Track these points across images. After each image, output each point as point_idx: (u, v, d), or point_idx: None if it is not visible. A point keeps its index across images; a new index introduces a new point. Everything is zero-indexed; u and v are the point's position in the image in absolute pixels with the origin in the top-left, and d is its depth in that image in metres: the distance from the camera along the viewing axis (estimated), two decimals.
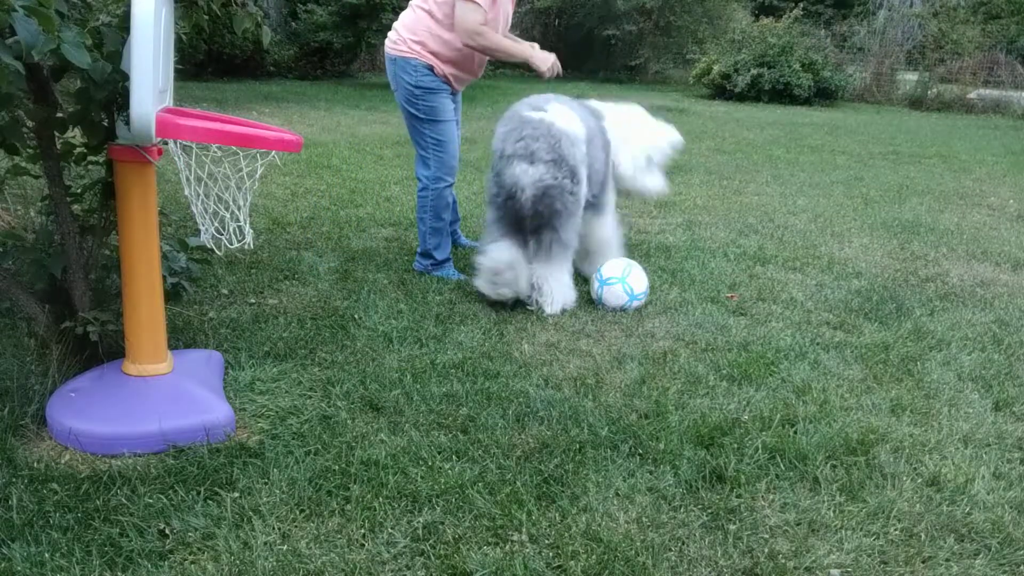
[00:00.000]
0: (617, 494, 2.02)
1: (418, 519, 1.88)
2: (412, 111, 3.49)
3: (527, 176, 3.08)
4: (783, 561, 1.80)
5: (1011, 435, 2.42)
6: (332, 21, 12.47)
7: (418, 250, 3.68)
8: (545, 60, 3.48)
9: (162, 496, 1.92)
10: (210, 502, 1.92)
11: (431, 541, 1.81)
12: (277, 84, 11.91)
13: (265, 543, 1.78)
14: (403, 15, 3.53)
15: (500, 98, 9.84)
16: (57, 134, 2.30)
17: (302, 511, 1.90)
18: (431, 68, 3.42)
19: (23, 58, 1.77)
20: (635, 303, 3.29)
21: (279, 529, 1.83)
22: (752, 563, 1.80)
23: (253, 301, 3.21)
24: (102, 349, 2.44)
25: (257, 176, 2.37)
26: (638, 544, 1.82)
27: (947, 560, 1.84)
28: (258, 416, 2.33)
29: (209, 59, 11.80)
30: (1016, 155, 8.48)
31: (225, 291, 3.30)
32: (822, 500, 2.03)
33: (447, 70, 3.44)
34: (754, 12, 17.81)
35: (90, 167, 2.51)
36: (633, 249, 4.20)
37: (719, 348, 2.96)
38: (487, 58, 3.55)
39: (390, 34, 3.53)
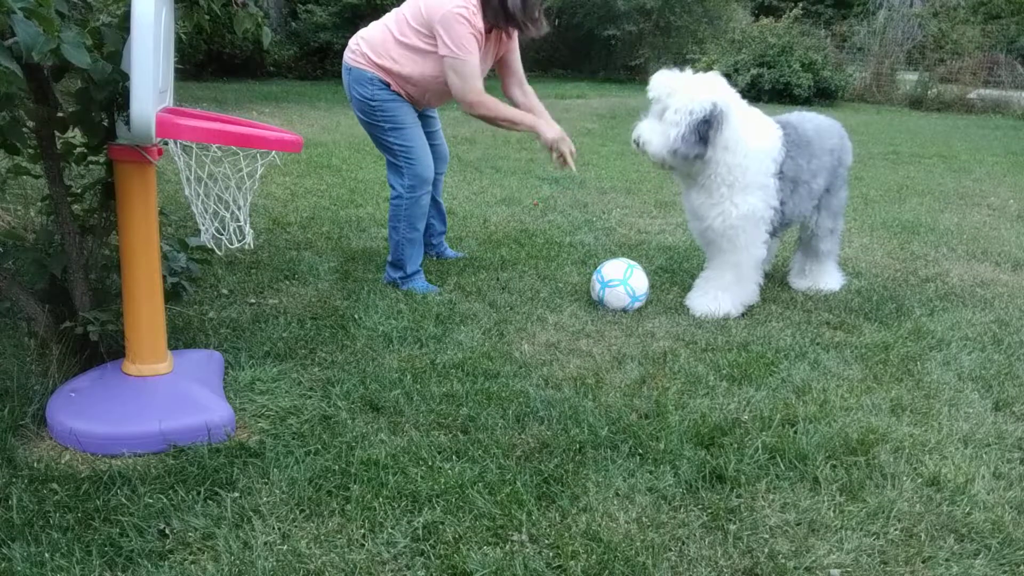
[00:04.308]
0: (617, 494, 2.02)
1: (418, 519, 1.88)
2: (370, 122, 3.29)
3: None
4: (783, 561, 1.80)
5: (1011, 435, 2.41)
6: (332, 21, 12.50)
7: (388, 259, 3.48)
8: (553, 127, 3.26)
9: (162, 496, 1.92)
10: (210, 502, 1.92)
11: (431, 541, 1.81)
12: (277, 84, 11.91)
13: (265, 543, 1.78)
14: (371, 29, 3.27)
15: (500, 98, 9.80)
16: (57, 134, 2.30)
17: (302, 511, 1.90)
18: (388, 84, 3.22)
19: (23, 59, 1.77)
20: (636, 304, 3.29)
21: (279, 529, 1.83)
22: (752, 563, 1.80)
23: (253, 301, 3.22)
24: (102, 349, 2.44)
25: (257, 176, 2.38)
26: (638, 544, 1.82)
27: (947, 560, 1.84)
28: (258, 416, 2.33)
29: (209, 59, 11.83)
30: (1016, 155, 8.48)
31: (225, 291, 3.30)
32: (822, 500, 2.03)
33: (403, 93, 3.25)
34: (754, 12, 17.83)
35: (90, 167, 2.51)
36: (633, 249, 4.21)
37: (719, 348, 2.96)
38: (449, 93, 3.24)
39: (351, 42, 3.29)
